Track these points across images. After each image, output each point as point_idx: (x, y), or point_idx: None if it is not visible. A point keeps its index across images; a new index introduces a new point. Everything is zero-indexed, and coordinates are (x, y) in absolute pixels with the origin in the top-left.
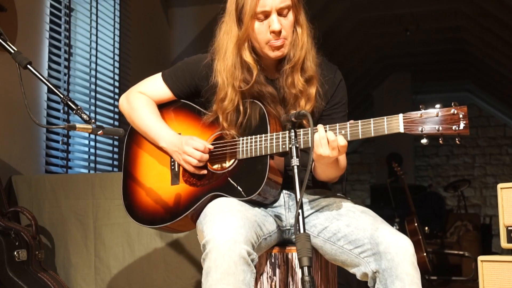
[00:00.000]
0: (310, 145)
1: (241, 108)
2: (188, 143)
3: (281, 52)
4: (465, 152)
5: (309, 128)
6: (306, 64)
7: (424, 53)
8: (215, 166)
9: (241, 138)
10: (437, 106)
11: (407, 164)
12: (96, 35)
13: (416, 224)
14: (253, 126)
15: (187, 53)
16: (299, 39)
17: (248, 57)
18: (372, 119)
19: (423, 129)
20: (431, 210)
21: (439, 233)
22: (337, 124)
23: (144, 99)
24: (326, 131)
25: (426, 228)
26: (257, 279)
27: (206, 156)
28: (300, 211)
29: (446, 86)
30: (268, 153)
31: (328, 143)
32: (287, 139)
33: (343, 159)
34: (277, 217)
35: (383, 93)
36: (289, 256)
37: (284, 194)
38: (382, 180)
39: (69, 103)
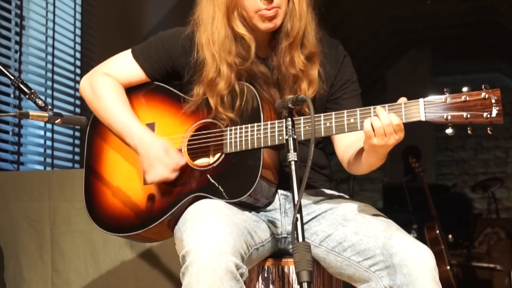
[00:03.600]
0: (311, 137)
1: (237, 89)
2: (159, 157)
3: (273, 24)
4: (497, 145)
5: (310, 116)
6: (306, 38)
7: (447, 26)
8: (198, 162)
9: (228, 128)
10: (465, 89)
11: (427, 159)
12: (54, 4)
13: (437, 232)
14: (243, 113)
15: (162, 26)
16: (296, 9)
17: (240, 28)
18: (387, 105)
19: (448, 116)
20: (456, 214)
21: (466, 242)
22: (345, 111)
23: (110, 82)
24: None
25: (450, 236)
26: None
27: (173, 176)
28: (298, 215)
29: (474, 66)
30: (262, 145)
31: (394, 129)
32: (284, 129)
33: None
34: (271, 223)
35: (398, 75)
36: (285, 269)
37: (280, 195)
38: (397, 179)
39: (21, 86)
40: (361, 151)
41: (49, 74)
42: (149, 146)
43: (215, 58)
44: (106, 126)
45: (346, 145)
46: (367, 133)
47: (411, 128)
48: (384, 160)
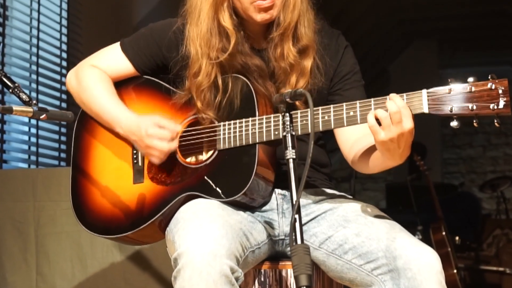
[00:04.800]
0: (310, 133)
1: (220, 84)
2: (151, 134)
3: (270, 15)
4: (506, 141)
5: (307, 110)
6: (299, 30)
7: (453, 16)
8: (190, 159)
9: (221, 123)
10: (470, 79)
11: (433, 157)
12: None
13: (444, 233)
14: (236, 108)
15: (153, 18)
16: None
17: (226, 21)
18: (387, 97)
19: (453, 108)
20: (463, 215)
21: (473, 245)
22: (344, 104)
23: (98, 73)
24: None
25: (457, 238)
26: None
27: (175, 145)
28: (297, 216)
29: (482, 58)
30: (257, 141)
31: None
32: (280, 124)
33: None
34: (268, 224)
35: (402, 68)
36: (283, 273)
37: (277, 194)
38: (401, 178)
39: (4, 79)
40: (370, 149)
41: (34, 67)
42: (137, 127)
43: (198, 53)
44: (95, 119)
45: (352, 141)
46: (371, 128)
47: (415, 123)
48: (401, 160)
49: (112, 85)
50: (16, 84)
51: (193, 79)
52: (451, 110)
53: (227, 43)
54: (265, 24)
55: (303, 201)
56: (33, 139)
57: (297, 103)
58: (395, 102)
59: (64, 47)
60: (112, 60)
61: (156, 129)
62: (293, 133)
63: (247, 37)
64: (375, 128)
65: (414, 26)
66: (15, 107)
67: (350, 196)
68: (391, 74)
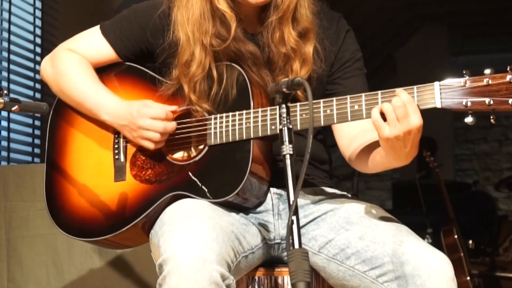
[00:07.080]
0: (309, 126)
1: (215, 73)
2: (143, 114)
3: None
4: None
5: (307, 102)
6: (299, 12)
7: None
8: (177, 155)
9: (212, 117)
10: (487, 71)
11: (444, 152)
12: None
13: (456, 237)
14: (230, 100)
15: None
16: None
17: (221, 3)
18: (396, 89)
19: (468, 103)
20: (477, 216)
21: (488, 249)
22: (348, 97)
23: (76, 58)
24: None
25: (471, 241)
26: None
27: (172, 125)
28: (294, 218)
29: (496, 44)
30: (252, 136)
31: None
32: (277, 117)
33: None
34: (263, 227)
35: (409, 54)
36: (279, 280)
37: (273, 194)
38: (409, 175)
39: None
40: (370, 146)
41: (5, 54)
42: (126, 109)
43: (189, 39)
44: (75, 108)
45: (350, 137)
46: (375, 123)
47: (425, 116)
48: (407, 161)
49: (93, 69)
50: None
51: (184, 69)
52: (466, 105)
53: (222, 28)
54: (260, 6)
55: (301, 201)
56: (4, 133)
57: (298, 92)
58: (400, 96)
59: (38, 31)
60: (91, 44)
61: (148, 108)
62: (290, 126)
63: (240, 21)
64: (379, 123)
65: (423, 9)
66: None
67: (352, 196)
68: (398, 61)
